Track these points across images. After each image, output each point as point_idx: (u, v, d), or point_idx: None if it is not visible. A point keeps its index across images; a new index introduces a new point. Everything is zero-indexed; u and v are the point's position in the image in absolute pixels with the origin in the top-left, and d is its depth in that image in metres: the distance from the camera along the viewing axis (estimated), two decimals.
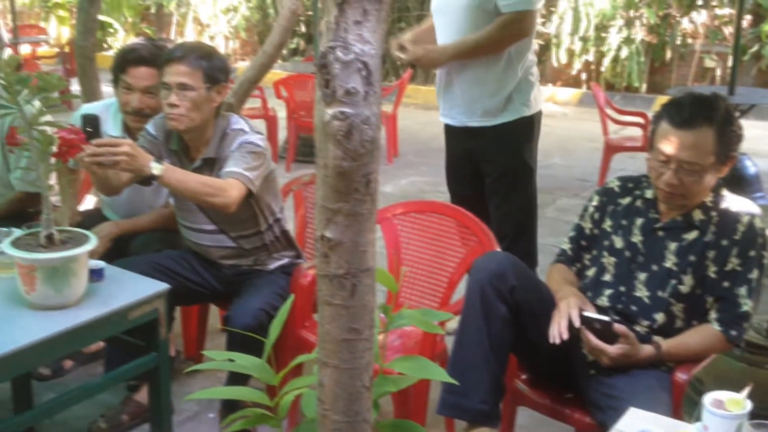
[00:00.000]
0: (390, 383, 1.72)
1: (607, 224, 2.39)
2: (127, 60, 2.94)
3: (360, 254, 1.43)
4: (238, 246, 2.82)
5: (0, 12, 13.79)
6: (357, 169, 1.35)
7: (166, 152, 2.73)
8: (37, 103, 2.03)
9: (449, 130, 3.44)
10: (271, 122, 7.09)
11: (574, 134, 8.21)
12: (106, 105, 3.17)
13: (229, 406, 2.74)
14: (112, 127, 3.08)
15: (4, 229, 2.51)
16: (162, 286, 2.32)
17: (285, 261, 2.90)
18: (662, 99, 9.64)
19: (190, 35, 13.14)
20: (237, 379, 2.60)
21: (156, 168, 2.43)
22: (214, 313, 3.39)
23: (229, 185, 2.54)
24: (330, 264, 1.44)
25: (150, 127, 2.79)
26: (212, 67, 2.62)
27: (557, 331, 2.13)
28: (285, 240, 2.91)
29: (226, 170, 2.59)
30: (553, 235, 4.84)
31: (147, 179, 2.52)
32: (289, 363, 1.79)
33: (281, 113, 7.13)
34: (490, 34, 3.09)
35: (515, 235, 3.22)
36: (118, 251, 2.88)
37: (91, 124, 2.35)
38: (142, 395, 2.84)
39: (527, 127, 3.27)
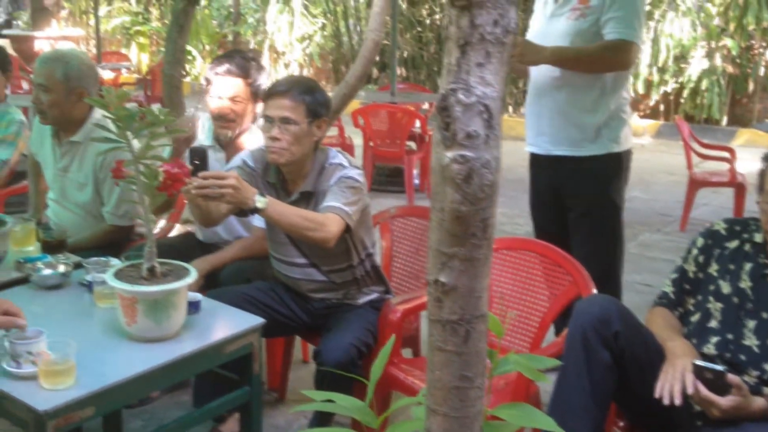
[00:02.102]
0: (495, 430, 1.68)
1: (713, 268, 2.30)
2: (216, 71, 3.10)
3: (475, 300, 1.39)
4: (328, 280, 2.81)
5: (83, 38, 14.25)
6: (475, 213, 1.32)
7: (264, 184, 2.75)
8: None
9: (535, 159, 3.39)
10: (348, 151, 7.12)
11: (653, 167, 8.05)
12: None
13: None
14: (205, 138, 3.23)
15: (103, 258, 2.55)
16: (257, 321, 2.32)
17: (374, 296, 2.88)
18: (744, 132, 9.39)
19: (265, 63, 13.36)
20: (324, 414, 2.59)
21: (260, 201, 2.44)
22: (296, 344, 3.39)
23: (328, 220, 2.54)
24: (443, 309, 1.41)
25: (248, 158, 2.81)
26: (315, 101, 2.64)
27: (668, 392, 2.03)
28: (375, 275, 2.89)
29: (326, 205, 2.59)
30: (636, 272, 4.73)
31: (245, 211, 2.53)
32: (378, 399, 1.76)
33: (357, 141, 7.17)
34: (592, 51, 3.07)
35: (599, 277, 3.06)
36: (207, 280, 2.91)
37: (199, 157, 2.38)
38: (228, 426, 2.84)
39: (615, 164, 3.20)
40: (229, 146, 3.17)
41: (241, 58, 3.11)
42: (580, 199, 3.23)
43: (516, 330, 2.75)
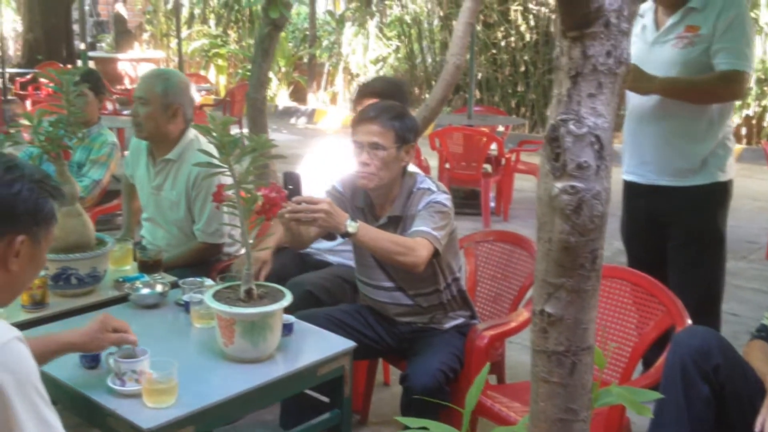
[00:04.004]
0: None
1: None
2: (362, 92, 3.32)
3: (581, 332, 1.38)
4: (415, 304, 2.82)
5: (164, 60, 14.66)
6: (584, 244, 1.31)
7: (352, 209, 2.78)
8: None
9: (633, 187, 3.29)
10: (424, 173, 7.12)
11: (736, 192, 7.80)
12: None
13: None
14: None
15: (198, 279, 2.62)
16: (348, 344, 2.34)
17: (460, 321, 2.87)
18: None
19: (339, 84, 13.52)
20: None
21: (351, 226, 2.47)
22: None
23: (418, 244, 2.55)
24: (549, 340, 1.39)
25: (337, 183, 2.85)
26: (404, 127, 2.66)
27: None
28: (461, 299, 2.89)
29: (415, 229, 2.60)
30: (724, 301, 4.59)
31: (333, 235, 2.56)
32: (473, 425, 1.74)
33: (433, 163, 7.17)
34: (705, 82, 2.97)
35: (698, 308, 2.92)
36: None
37: (292, 182, 2.43)
38: None
39: (721, 194, 3.12)
40: None
41: None
42: (682, 229, 3.13)
43: (609, 361, 2.70)
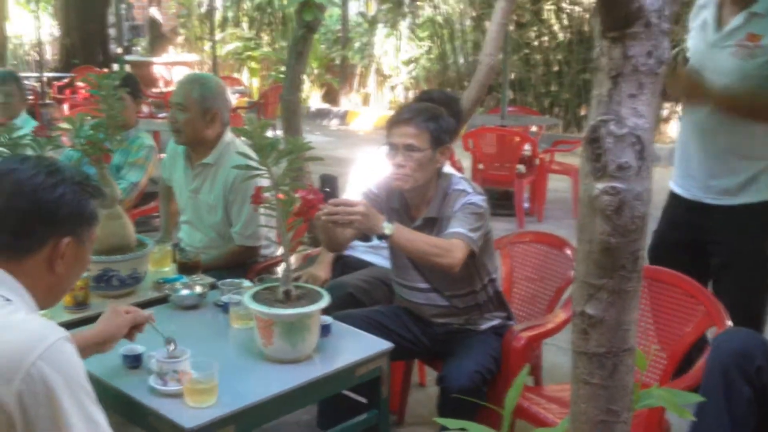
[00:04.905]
0: None
1: None
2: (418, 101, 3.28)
3: (622, 333, 1.37)
4: (450, 305, 2.82)
5: (198, 63, 14.79)
6: (625, 245, 1.30)
7: (387, 210, 2.78)
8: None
9: (677, 200, 3.07)
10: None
11: None
12: None
13: None
14: None
15: (236, 280, 2.64)
16: (386, 345, 2.36)
17: (496, 322, 2.87)
18: None
19: (371, 86, 13.55)
20: None
21: (387, 228, 2.48)
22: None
23: (453, 246, 2.55)
24: (589, 341, 1.39)
25: (372, 184, 2.86)
26: (439, 129, 2.67)
27: None
28: (497, 300, 2.88)
29: (450, 231, 2.60)
30: None
31: (368, 237, 2.57)
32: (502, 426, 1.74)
33: (466, 164, 7.16)
34: None
35: (741, 325, 2.67)
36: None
37: (329, 185, 2.44)
38: None
39: None
40: None
41: None
42: (726, 246, 2.94)
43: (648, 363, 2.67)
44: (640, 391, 1.69)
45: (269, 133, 6.08)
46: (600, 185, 1.28)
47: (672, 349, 2.60)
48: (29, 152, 2.71)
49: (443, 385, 2.58)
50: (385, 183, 2.80)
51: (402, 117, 2.69)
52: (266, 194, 2.14)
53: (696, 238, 3.00)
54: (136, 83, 4.56)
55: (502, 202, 7.04)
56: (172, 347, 2.07)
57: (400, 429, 3.22)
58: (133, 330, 2.09)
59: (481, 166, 6.80)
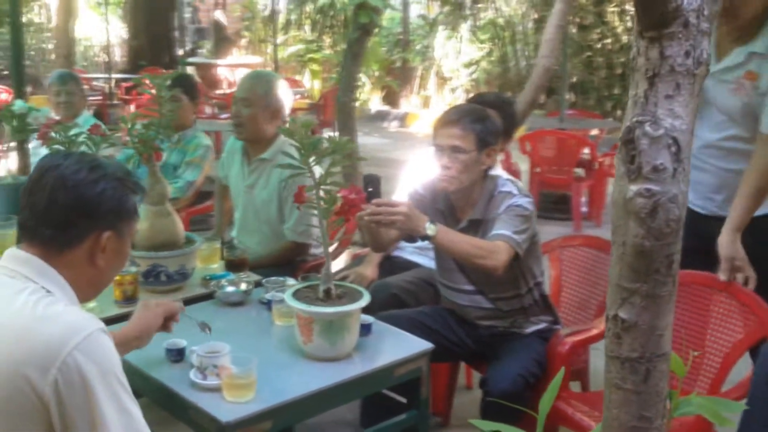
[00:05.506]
0: None
1: None
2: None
3: (656, 338, 1.35)
4: (495, 307, 2.80)
5: (261, 65, 15.00)
6: (660, 249, 1.28)
7: (433, 211, 2.78)
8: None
9: (690, 213, 2.94)
10: (514, 176, 7.04)
11: None
12: None
13: None
14: None
15: (281, 278, 2.67)
16: (426, 345, 2.35)
17: (542, 326, 2.84)
18: None
19: (432, 88, 13.55)
20: None
21: (430, 229, 2.48)
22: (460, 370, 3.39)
23: (497, 248, 2.53)
24: (622, 346, 1.37)
25: (419, 185, 2.87)
26: (485, 130, 2.66)
27: None
28: (543, 304, 2.85)
29: (495, 232, 2.59)
30: None
31: (414, 237, 2.58)
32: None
33: (523, 167, 7.09)
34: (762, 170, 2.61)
35: None
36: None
37: (372, 184, 2.46)
38: None
39: None
40: None
41: None
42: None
43: (695, 370, 2.61)
44: (682, 398, 1.66)
45: (328, 134, 6.15)
46: (634, 187, 1.26)
47: (724, 358, 2.53)
48: (83, 150, 2.79)
49: (485, 388, 2.57)
50: (431, 184, 2.80)
51: (448, 118, 2.69)
52: (308, 193, 2.16)
53: (703, 246, 2.81)
54: (193, 84, 4.65)
55: (559, 205, 6.96)
56: (207, 332, 2.12)
57: (445, 431, 3.21)
58: (168, 321, 2.13)
59: (538, 170, 6.73)
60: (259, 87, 3.33)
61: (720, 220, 2.79)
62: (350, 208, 2.15)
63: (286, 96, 3.39)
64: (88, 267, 1.60)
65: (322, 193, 2.13)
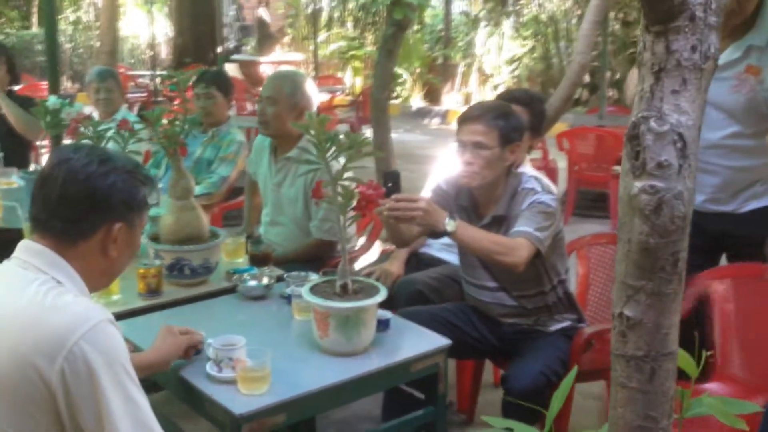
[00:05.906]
0: None
1: None
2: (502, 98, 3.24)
3: (662, 336, 1.32)
4: (519, 305, 2.78)
5: (303, 62, 15.08)
6: (665, 246, 1.26)
7: (456, 207, 2.77)
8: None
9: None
10: (551, 174, 6.99)
11: None
12: None
13: None
14: None
15: (303, 273, 2.69)
16: (444, 342, 2.34)
17: (566, 324, 2.81)
18: None
19: (473, 85, 13.48)
20: None
21: (450, 225, 2.47)
22: (488, 367, 3.37)
23: (518, 245, 2.52)
24: (628, 344, 1.35)
25: (442, 180, 2.86)
26: (508, 126, 2.64)
27: None
28: (568, 302, 2.83)
29: (517, 229, 2.57)
30: None
31: (438, 233, 2.57)
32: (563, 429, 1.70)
33: (561, 164, 7.03)
34: None
35: None
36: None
37: (392, 180, 2.46)
38: None
39: None
40: None
41: None
42: (746, 251, 2.78)
43: None
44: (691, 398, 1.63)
45: (366, 131, 6.11)
46: (639, 183, 1.24)
47: None
48: (112, 145, 2.84)
49: (506, 386, 2.56)
50: (455, 180, 2.79)
51: (471, 115, 2.68)
52: (325, 189, 2.16)
53: (711, 245, 2.87)
54: (227, 80, 4.70)
55: (596, 203, 6.88)
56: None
57: (469, 428, 3.20)
58: (189, 350, 2.13)
59: (576, 167, 6.66)
60: (285, 86, 3.36)
61: (727, 217, 2.79)
62: (367, 204, 2.16)
63: (312, 95, 3.41)
64: (101, 258, 1.63)
65: (339, 189, 2.14)
